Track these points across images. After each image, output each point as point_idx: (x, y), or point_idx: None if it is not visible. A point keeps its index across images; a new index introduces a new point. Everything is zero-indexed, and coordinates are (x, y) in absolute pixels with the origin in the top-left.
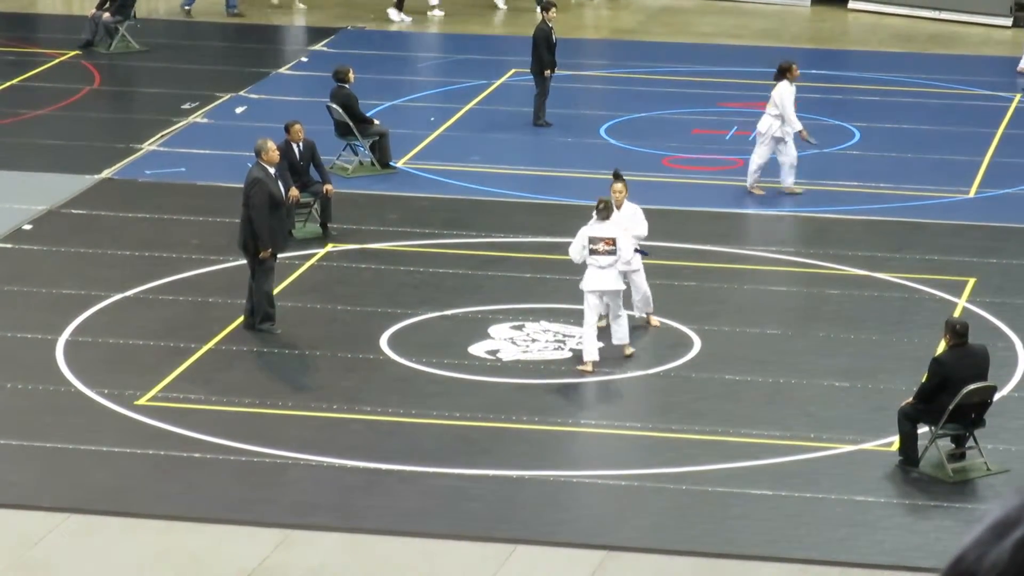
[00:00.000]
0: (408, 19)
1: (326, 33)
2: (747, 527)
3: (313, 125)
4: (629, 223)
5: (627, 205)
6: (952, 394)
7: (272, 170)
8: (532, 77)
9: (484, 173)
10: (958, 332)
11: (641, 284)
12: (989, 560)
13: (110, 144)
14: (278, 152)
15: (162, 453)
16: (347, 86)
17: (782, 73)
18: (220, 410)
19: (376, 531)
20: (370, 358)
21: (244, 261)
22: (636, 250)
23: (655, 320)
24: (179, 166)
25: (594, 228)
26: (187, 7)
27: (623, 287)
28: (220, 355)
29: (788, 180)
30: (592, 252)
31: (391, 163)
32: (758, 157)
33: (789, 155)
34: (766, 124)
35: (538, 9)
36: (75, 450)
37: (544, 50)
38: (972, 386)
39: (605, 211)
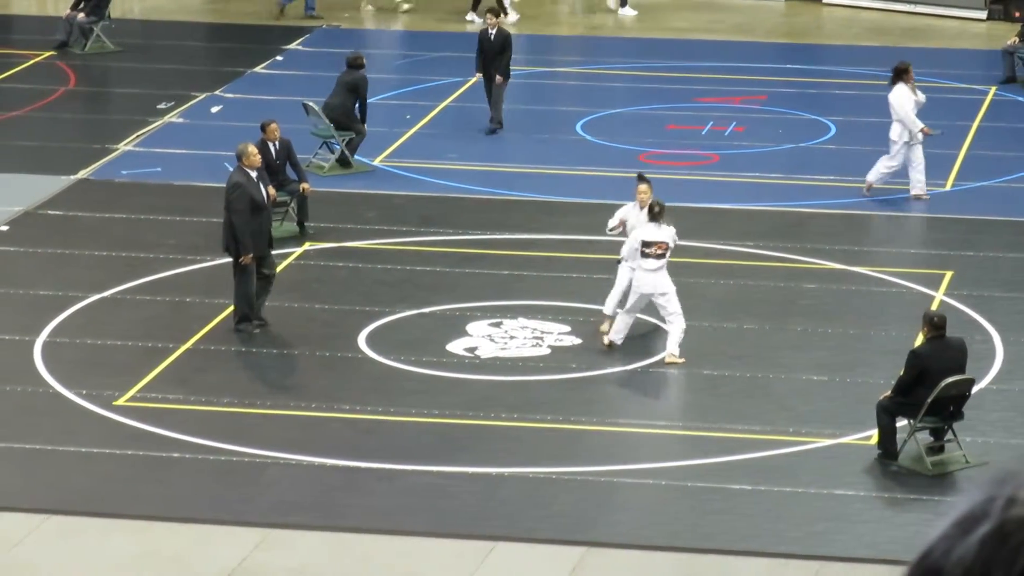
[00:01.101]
0: (479, 20)
1: (301, 32)
2: (726, 522)
3: (289, 124)
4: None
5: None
6: (930, 387)
7: (254, 174)
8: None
9: (461, 170)
10: (936, 324)
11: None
12: (955, 555)
13: (86, 145)
14: (259, 156)
15: (141, 454)
16: (360, 71)
17: (898, 75)
18: (199, 410)
19: (356, 529)
20: (348, 356)
21: (224, 260)
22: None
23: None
24: (155, 166)
25: (648, 231)
26: (283, 4)
27: (669, 290)
28: (198, 355)
29: (917, 186)
30: (644, 255)
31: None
32: (891, 161)
33: (918, 160)
34: (896, 132)
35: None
36: (54, 451)
37: (477, 54)
38: (950, 379)
39: (660, 214)
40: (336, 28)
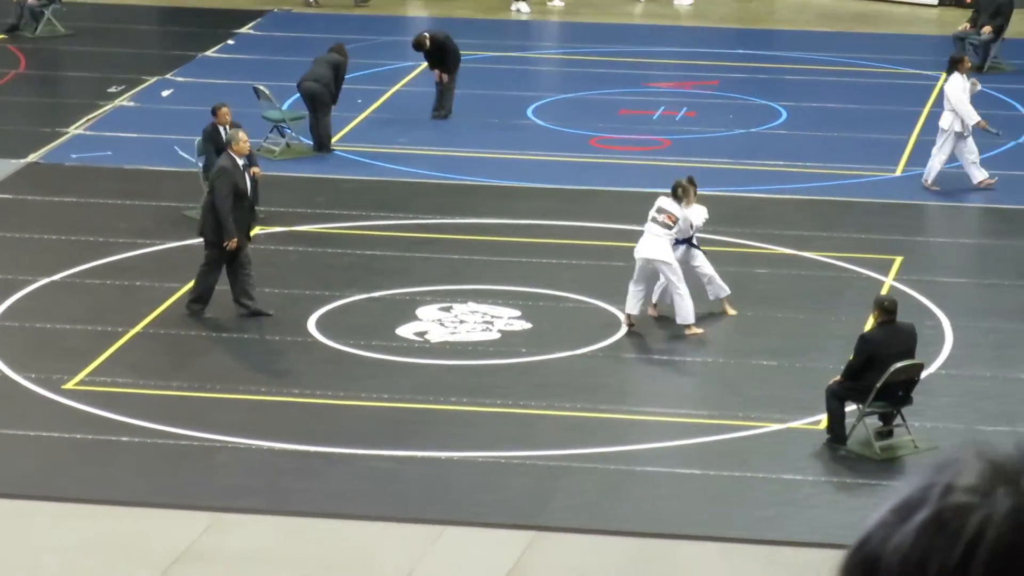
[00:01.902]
0: (526, 8)
1: (252, 16)
2: (676, 507)
3: (240, 108)
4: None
5: (695, 207)
6: (879, 372)
7: (241, 161)
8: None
9: (412, 155)
10: (886, 309)
11: (706, 270)
12: (893, 543)
13: (36, 128)
14: (248, 144)
15: (90, 437)
16: (342, 57)
17: (953, 65)
18: (148, 394)
19: (306, 514)
20: (298, 341)
21: (174, 244)
22: (692, 244)
23: (727, 310)
24: (105, 150)
25: (665, 200)
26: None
27: (668, 260)
28: (148, 339)
29: (976, 175)
30: (652, 220)
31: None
32: (942, 154)
33: (971, 151)
34: (947, 120)
35: None
36: (2, 435)
37: (436, 61)
38: (899, 364)
39: (682, 195)
40: (287, 12)
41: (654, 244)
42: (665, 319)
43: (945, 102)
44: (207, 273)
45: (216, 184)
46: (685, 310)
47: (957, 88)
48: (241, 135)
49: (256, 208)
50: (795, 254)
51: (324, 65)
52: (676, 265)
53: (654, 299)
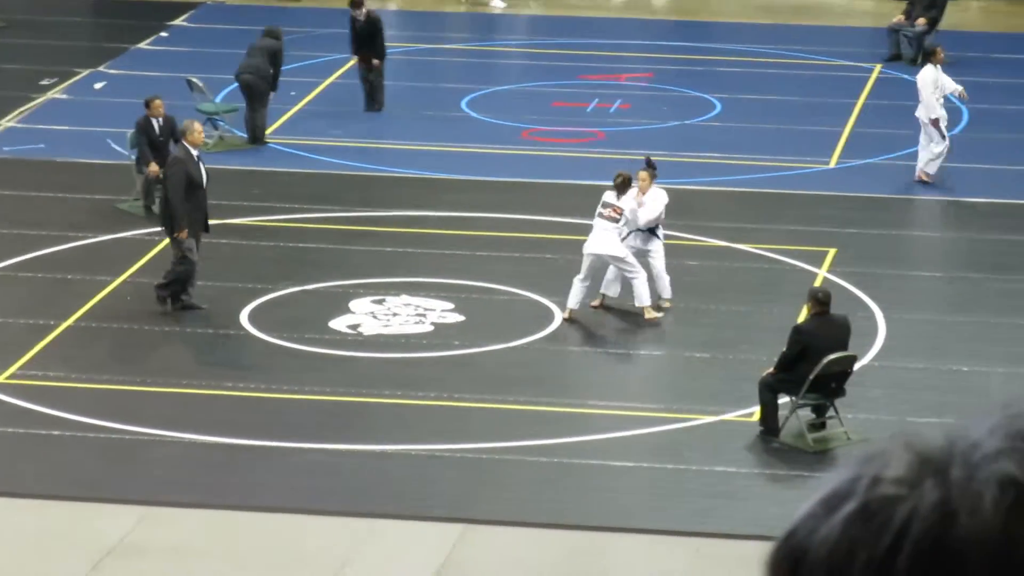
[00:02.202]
0: (502, 3)
1: (185, 8)
2: (609, 499)
3: (173, 100)
4: (646, 203)
5: (653, 190)
6: (813, 363)
7: (195, 152)
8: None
9: (345, 147)
10: (820, 300)
11: (657, 265)
12: (820, 535)
13: None
14: (203, 134)
15: (21, 431)
16: (278, 42)
17: (927, 57)
18: (81, 387)
19: (238, 507)
20: (231, 334)
21: (105, 237)
22: (655, 235)
23: (658, 308)
24: (38, 142)
25: (609, 195)
26: None
27: (618, 254)
28: (81, 332)
29: (926, 166)
30: (599, 215)
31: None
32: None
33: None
34: (923, 112)
35: None
36: None
37: (351, 41)
38: (832, 356)
39: (622, 186)
40: (220, 4)
41: (603, 239)
42: (603, 312)
43: (919, 94)
44: (183, 266)
45: (169, 174)
46: (643, 292)
47: (927, 79)
48: (196, 126)
49: None
50: (729, 246)
51: (260, 54)
52: (628, 255)
53: (603, 290)
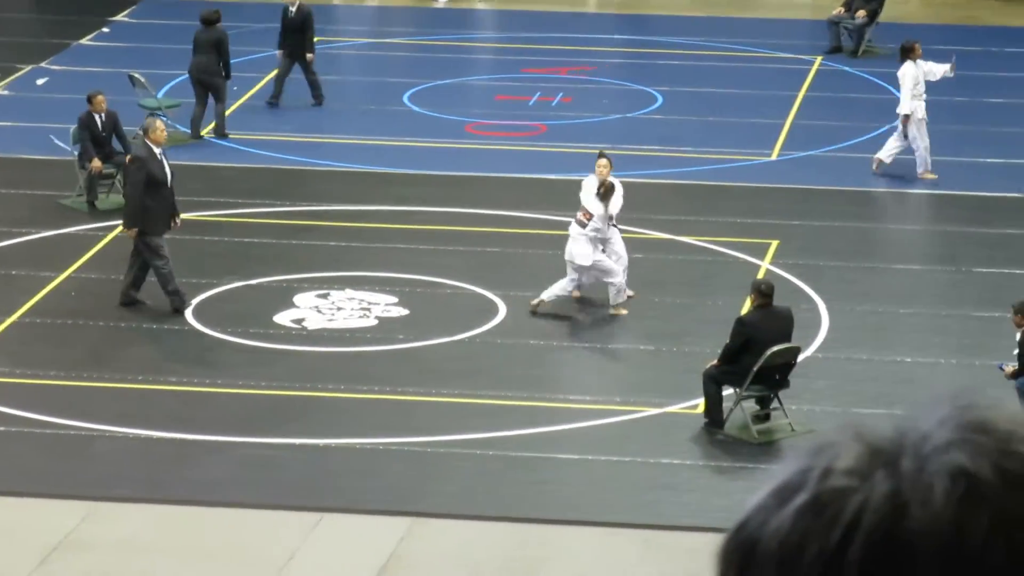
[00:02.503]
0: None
1: (127, 3)
2: (554, 492)
3: (116, 96)
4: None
5: (609, 180)
6: (756, 355)
7: (158, 150)
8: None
9: (288, 142)
10: (763, 292)
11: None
12: (771, 527)
13: None
14: (165, 132)
15: None
16: (219, 26)
17: (905, 53)
18: (26, 383)
19: (183, 502)
20: (175, 329)
21: (48, 233)
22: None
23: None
24: None
25: (584, 196)
26: None
27: (582, 262)
28: (24, 328)
29: (881, 157)
30: (574, 219)
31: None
32: (921, 141)
33: (899, 138)
34: (910, 108)
35: None
36: None
37: (291, 33)
38: (776, 347)
39: (604, 195)
40: (162, 0)
41: (570, 245)
42: (547, 306)
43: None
44: (158, 266)
45: (129, 172)
46: (612, 292)
47: (908, 75)
48: (158, 124)
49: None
50: (671, 238)
51: (207, 49)
52: (598, 261)
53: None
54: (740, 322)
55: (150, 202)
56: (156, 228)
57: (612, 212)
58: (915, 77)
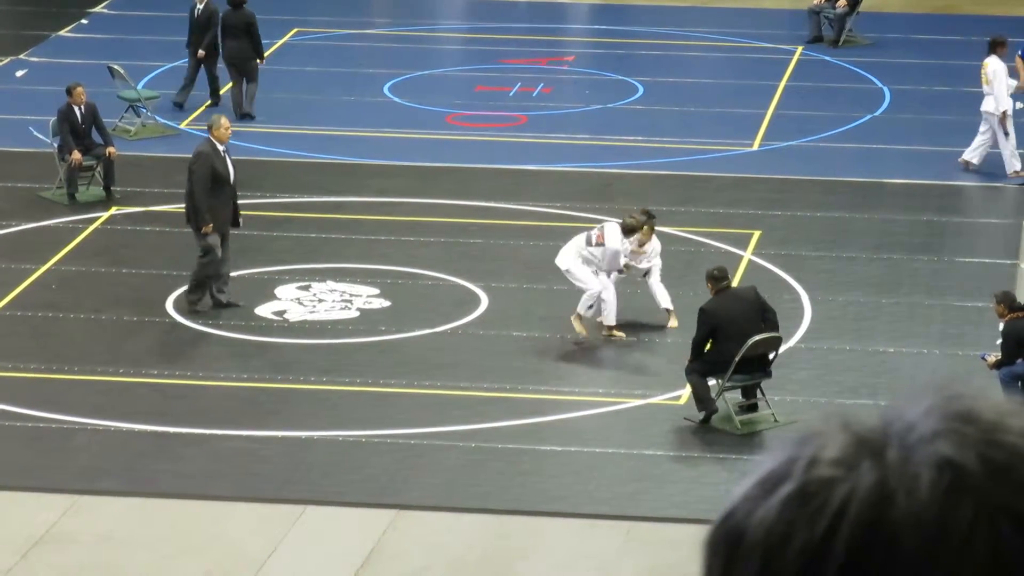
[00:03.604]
0: None
1: None
2: (537, 483)
3: (95, 88)
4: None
5: (654, 241)
6: (729, 340)
7: (221, 147)
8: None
9: (268, 133)
10: (716, 277)
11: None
12: (757, 517)
13: None
14: (229, 130)
15: None
16: (246, 8)
17: (993, 47)
18: (7, 376)
19: (165, 495)
20: (156, 321)
21: (29, 225)
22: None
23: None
24: None
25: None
26: None
27: (559, 262)
28: (4, 320)
29: (1013, 164)
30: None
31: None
32: (1007, 140)
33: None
34: (990, 104)
35: None
36: None
37: (196, 31)
38: (757, 337)
39: (629, 230)
40: None
41: (562, 251)
42: (529, 297)
43: (985, 87)
44: (203, 263)
45: (194, 169)
46: (604, 309)
47: (998, 71)
48: (223, 121)
49: (112, 188)
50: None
51: (237, 32)
52: (567, 272)
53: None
54: (701, 311)
55: (212, 199)
56: (218, 226)
57: (638, 265)
58: (1004, 72)
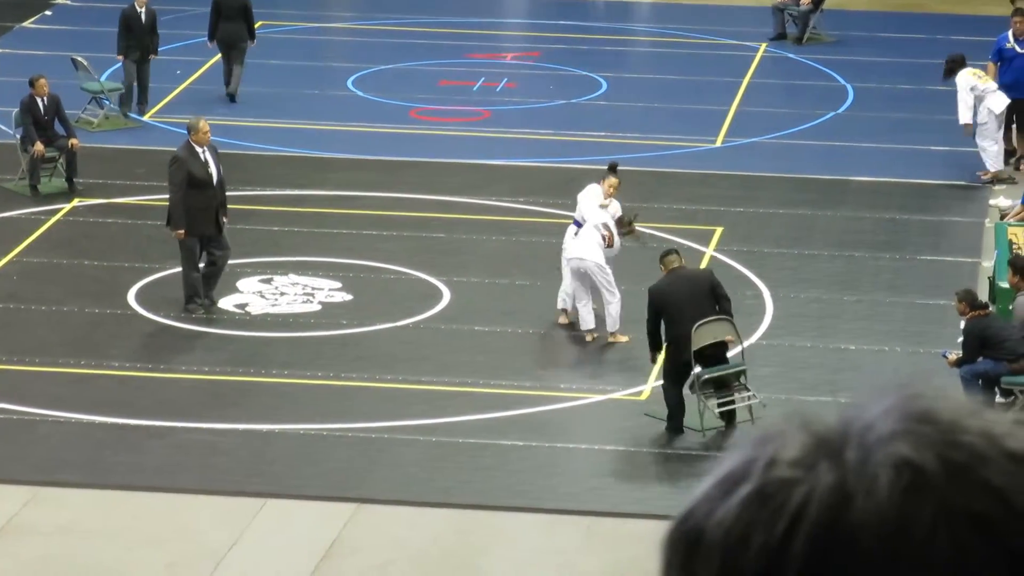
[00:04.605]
0: None
1: None
2: (498, 478)
3: (58, 79)
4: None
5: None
6: (675, 322)
7: (200, 150)
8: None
9: (231, 126)
10: (666, 261)
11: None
12: (716, 517)
13: None
14: (208, 134)
15: None
16: None
17: (952, 69)
18: None
19: (126, 487)
20: (118, 313)
21: None
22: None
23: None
24: None
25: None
26: None
27: (592, 258)
28: None
29: (994, 165)
30: (594, 227)
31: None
32: (995, 141)
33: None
34: (982, 114)
35: None
36: None
37: (124, 32)
38: (701, 321)
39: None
40: None
41: (583, 245)
42: (492, 292)
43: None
44: (186, 269)
45: (171, 173)
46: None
47: (966, 85)
48: (202, 124)
49: (75, 180)
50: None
51: (235, 15)
52: (598, 268)
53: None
54: (649, 291)
55: (191, 202)
56: (198, 228)
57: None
58: (968, 86)
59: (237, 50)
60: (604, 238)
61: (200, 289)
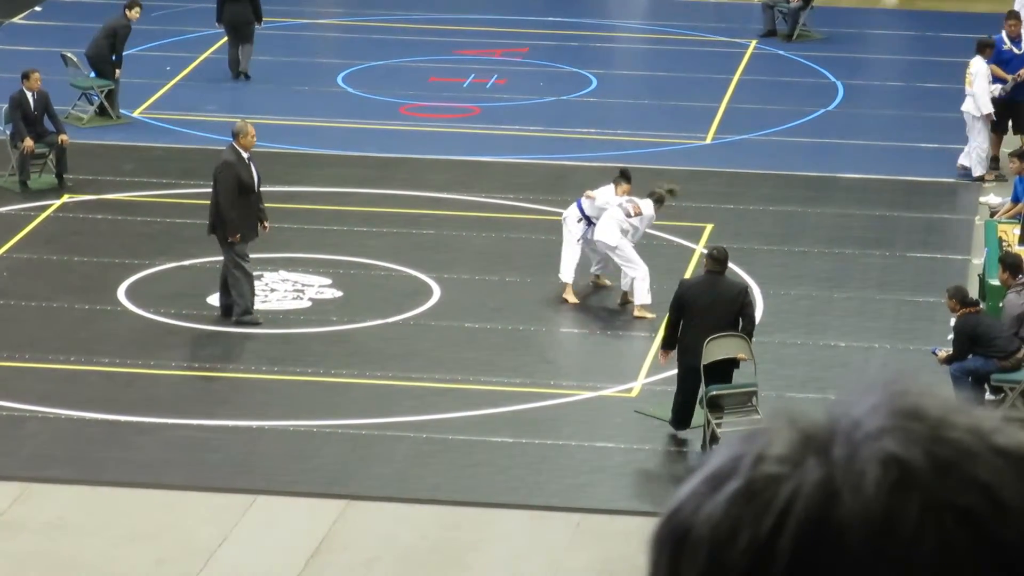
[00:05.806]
0: None
1: None
2: (488, 474)
3: (48, 75)
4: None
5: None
6: (691, 326)
7: (246, 155)
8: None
9: (221, 122)
10: (714, 258)
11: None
12: (703, 513)
13: None
14: (255, 138)
15: None
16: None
17: (979, 49)
18: None
19: (115, 483)
20: (108, 309)
21: None
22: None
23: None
24: None
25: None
26: None
27: (610, 241)
28: None
29: (976, 168)
30: (619, 206)
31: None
32: (983, 141)
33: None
34: (969, 104)
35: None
36: None
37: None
38: (716, 354)
39: (659, 200)
40: None
41: (603, 226)
42: (483, 288)
43: (968, 87)
44: (243, 279)
45: (219, 178)
46: (640, 289)
47: (980, 73)
48: (249, 129)
49: (65, 176)
50: None
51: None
52: (616, 249)
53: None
54: (679, 284)
55: (238, 209)
56: (244, 235)
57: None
58: (987, 74)
59: (243, 32)
60: (630, 212)
61: (252, 301)
